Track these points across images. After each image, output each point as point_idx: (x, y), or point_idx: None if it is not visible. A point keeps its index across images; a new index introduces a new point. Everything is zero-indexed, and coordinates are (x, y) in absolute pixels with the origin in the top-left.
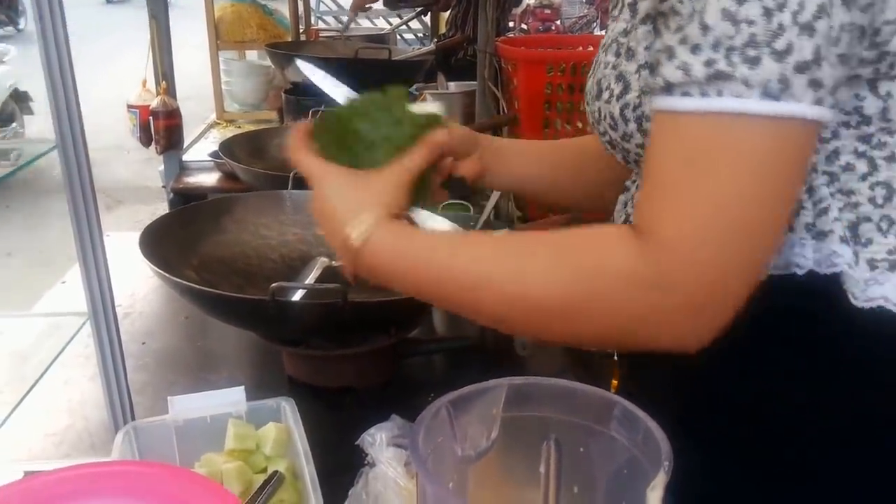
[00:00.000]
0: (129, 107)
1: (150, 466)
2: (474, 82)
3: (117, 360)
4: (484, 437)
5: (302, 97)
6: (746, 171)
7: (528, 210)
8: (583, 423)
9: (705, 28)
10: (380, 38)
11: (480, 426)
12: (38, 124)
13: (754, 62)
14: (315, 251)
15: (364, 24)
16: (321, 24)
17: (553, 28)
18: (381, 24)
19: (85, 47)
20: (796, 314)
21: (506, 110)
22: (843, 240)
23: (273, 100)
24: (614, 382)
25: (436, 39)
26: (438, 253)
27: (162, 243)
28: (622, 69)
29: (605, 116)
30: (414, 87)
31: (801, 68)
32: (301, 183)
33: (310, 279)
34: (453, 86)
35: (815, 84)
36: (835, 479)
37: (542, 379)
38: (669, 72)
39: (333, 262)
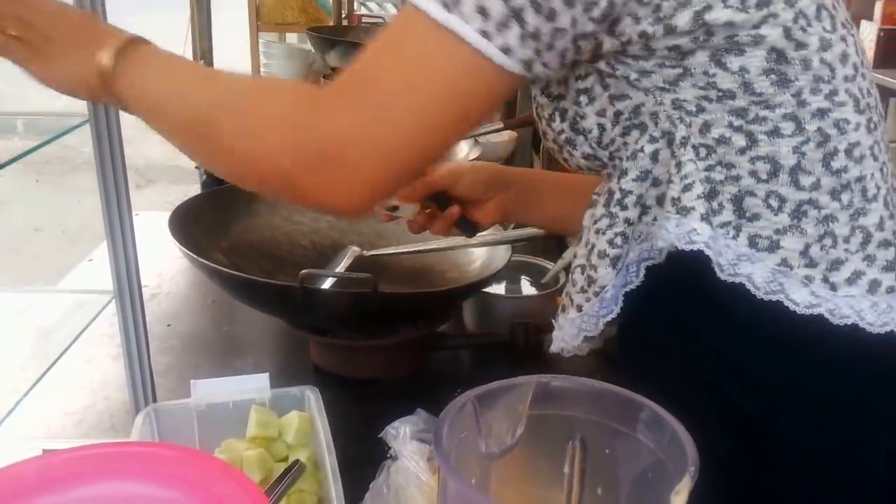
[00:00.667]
0: None
1: (169, 449)
2: None
3: (141, 340)
4: (509, 433)
5: None
6: (406, 58)
7: None
8: (609, 424)
9: None
10: None
11: (506, 423)
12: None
13: None
14: (346, 239)
15: None
16: (363, 10)
17: None
18: None
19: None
20: (670, 288)
21: None
22: (702, 218)
23: (312, 84)
24: None
25: None
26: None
27: (192, 224)
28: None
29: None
30: None
31: None
32: None
33: (340, 267)
34: None
35: (483, 12)
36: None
37: (570, 378)
38: None
39: (365, 252)
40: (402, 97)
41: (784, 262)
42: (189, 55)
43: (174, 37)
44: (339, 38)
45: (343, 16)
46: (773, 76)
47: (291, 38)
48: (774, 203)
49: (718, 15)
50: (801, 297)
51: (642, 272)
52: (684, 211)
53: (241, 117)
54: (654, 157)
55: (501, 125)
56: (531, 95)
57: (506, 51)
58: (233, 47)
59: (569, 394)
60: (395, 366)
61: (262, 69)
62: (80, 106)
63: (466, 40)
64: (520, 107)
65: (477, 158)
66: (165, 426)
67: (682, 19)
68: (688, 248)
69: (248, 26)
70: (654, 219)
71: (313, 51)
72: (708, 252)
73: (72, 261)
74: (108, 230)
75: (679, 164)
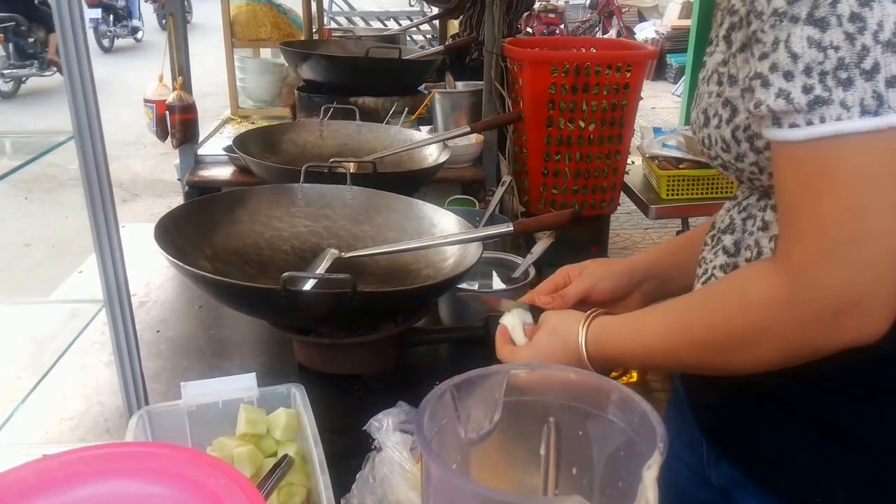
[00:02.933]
0: (146, 101)
1: (162, 447)
2: (481, 82)
3: (132, 346)
4: (487, 420)
5: (314, 94)
6: (856, 187)
7: (530, 205)
8: (581, 407)
9: (794, 55)
10: (390, 39)
11: (483, 409)
12: (55, 119)
13: (847, 84)
14: (325, 243)
15: (375, 26)
16: (333, 24)
17: (557, 32)
18: (392, 26)
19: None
20: None
21: (511, 109)
22: None
23: (286, 96)
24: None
25: (446, 42)
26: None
27: (176, 234)
28: (727, 95)
29: (715, 141)
30: (423, 85)
31: (891, 82)
32: (313, 177)
33: (320, 269)
34: (461, 85)
35: None
36: None
37: (543, 364)
38: (771, 100)
39: (343, 254)
40: (868, 225)
41: None
42: (167, 72)
43: (153, 54)
44: (311, 52)
45: (314, 30)
46: None
47: (265, 53)
48: None
49: None
50: None
51: None
52: None
53: (737, 352)
54: None
55: (468, 129)
56: (495, 99)
57: None
58: (214, 61)
59: (542, 380)
60: (376, 361)
61: (237, 83)
62: (64, 124)
63: None
64: (484, 112)
65: (446, 161)
66: (158, 428)
67: None
68: None
69: (223, 43)
70: None
71: (287, 65)
72: None
73: (61, 274)
74: (95, 240)
75: None
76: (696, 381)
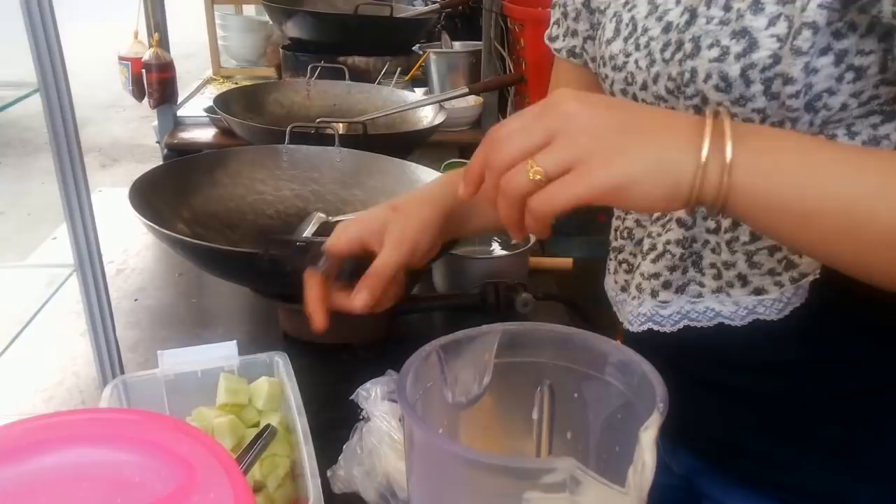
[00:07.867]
0: (121, 59)
1: (128, 413)
2: (480, 42)
3: (105, 312)
4: (476, 382)
5: (300, 53)
6: None
7: None
8: (578, 368)
9: None
10: None
11: (472, 372)
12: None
13: None
14: (312, 207)
15: None
16: None
17: None
18: None
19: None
20: None
21: (512, 70)
22: None
23: (271, 56)
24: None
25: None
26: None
27: (153, 196)
28: (746, 24)
29: (708, 76)
30: (417, 45)
31: None
32: (299, 139)
33: (306, 234)
34: (458, 45)
35: None
36: None
37: (537, 324)
38: None
39: (330, 218)
40: None
41: None
42: (143, 30)
43: (125, 11)
44: (296, 8)
45: None
46: None
47: (248, 10)
48: None
49: None
50: None
51: None
52: None
53: None
54: None
55: (467, 90)
56: (495, 60)
57: None
58: (188, 22)
59: (536, 340)
60: (366, 330)
61: (219, 42)
62: (30, 75)
63: None
64: (483, 73)
65: (442, 123)
66: (134, 398)
67: None
68: None
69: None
70: None
71: (271, 22)
72: None
73: (37, 243)
74: (64, 201)
75: None
76: None
